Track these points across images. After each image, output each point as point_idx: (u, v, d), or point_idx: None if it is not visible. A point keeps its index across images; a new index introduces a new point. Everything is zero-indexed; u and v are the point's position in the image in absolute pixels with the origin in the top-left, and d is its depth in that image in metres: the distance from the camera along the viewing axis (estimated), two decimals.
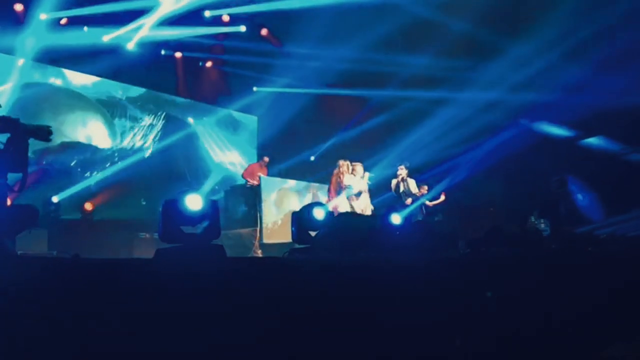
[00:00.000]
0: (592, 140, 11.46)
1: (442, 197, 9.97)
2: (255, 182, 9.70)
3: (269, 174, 9.63)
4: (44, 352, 1.71)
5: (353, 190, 8.74)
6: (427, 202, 9.80)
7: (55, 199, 8.93)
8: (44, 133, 3.44)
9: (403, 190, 9.41)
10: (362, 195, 8.76)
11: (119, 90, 11.34)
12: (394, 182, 9.49)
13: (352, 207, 8.63)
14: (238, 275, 2.63)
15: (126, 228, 9.28)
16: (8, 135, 3.30)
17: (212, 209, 2.88)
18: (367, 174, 8.96)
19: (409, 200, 9.30)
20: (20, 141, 3.29)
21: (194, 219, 2.83)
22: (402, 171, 9.40)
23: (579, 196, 10.79)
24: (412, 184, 9.51)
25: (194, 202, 2.80)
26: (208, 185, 10.65)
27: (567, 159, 11.10)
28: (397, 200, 9.41)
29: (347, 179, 8.59)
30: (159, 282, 2.41)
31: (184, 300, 2.41)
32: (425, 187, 9.89)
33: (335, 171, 8.89)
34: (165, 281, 2.43)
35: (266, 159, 10.45)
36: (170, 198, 2.75)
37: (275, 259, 3.27)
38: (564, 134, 11.50)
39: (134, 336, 2.12)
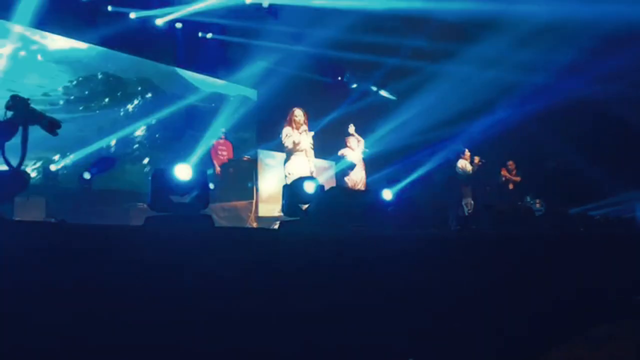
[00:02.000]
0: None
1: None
2: (222, 161, 10.02)
3: (266, 148, 9.66)
4: (27, 318, 1.76)
5: (348, 160, 8.79)
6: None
7: (53, 168, 8.99)
8: (51, 125, 3.46)
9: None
10: (356, 168, 8.79)
11: (118, 60, 11.30)
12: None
13: (345, 181, 8.69)
14: (225, 245, 2.68)
15: (124, 198, 9.36)
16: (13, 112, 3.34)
17: (201, 179, 2.92)
18: (361, 143, 8.98)
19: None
20: (26, 120, 3.33)
21: (183, 188, 2.87)
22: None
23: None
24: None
25: (183, 172, 2.83)
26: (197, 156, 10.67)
27: (565, 138, 11.12)
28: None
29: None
30: (147, 250, 2.46)
31: (171, 268, 2.46)
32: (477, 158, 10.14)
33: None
34: (153, 249, 2.48)
35: (223, 129, 10.95)
36: (159, 167, 2.78)
37: (264, 230, 3.32)
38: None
39: (120, 304, 2.17)
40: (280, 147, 8.32)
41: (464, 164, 9.96)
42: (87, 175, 9.42)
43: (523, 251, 4.96)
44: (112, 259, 2.18)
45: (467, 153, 10.05)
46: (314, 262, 2.97)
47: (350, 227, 3.94)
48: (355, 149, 8.87)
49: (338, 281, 3.08)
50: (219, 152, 10.43)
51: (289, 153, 7.22)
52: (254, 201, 7.50)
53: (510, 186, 10.44)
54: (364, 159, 8.97)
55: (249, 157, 10.05)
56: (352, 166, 8.82)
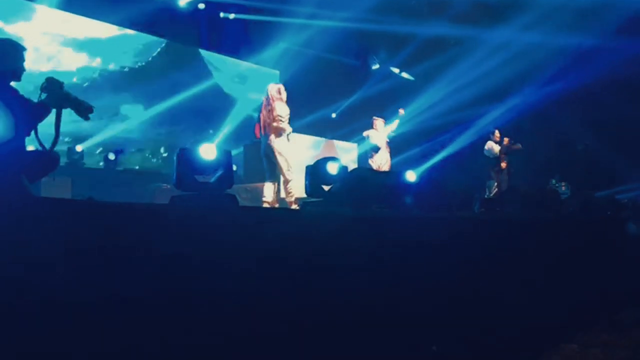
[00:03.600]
0: None
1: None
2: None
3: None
4: (52, 292, 1.80)
5: (371, 142, 8.73)
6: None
7: (79, 148, 9.11)
8: (85, 110, 3.51)
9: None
10: (381, 151, 8.74)
11: (142, 40, 11.35)
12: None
13: (369, 163, 8.65)
14: (249, 224, 2.69)
15: (149, 178, 9.46)
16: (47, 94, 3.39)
17: (226, 159, 2.93)
18: (388, 128, 8.90)
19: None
20: (60, 103, 3.38)
21: (207, 168, 2.89)
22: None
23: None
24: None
25: (207, 152, 2.84)
26: (223, 135, 10.67)
27: (592, 122, 10.90)
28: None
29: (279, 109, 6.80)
30: (172, 229, 2.48)
31: (196, 246, 2.48)
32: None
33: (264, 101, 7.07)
34: (178, 227, 2.50)
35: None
36: (185, 147, 2.80)
37: (287, 210, 3.33)
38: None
39: (143, 281, 2.20)
40: (303, 129, 8.15)
41: (491, 145, 9.80)
42: (112, 156, 9.55)
43: (547, 234, 4.90)
44: (138, 236, 2.20)
45: (497, 134, 9.86)
46: (336, 242, 2.97)
47: (373, 208, 3.93)
48: (380, 131, 8.81)
49: (360, 262, 3.08)
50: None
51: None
52: (276, 182, 7.49)
53: (503, 165, 10.09)
54: (388, 143, 8.90)
55: None
56: (376, 148, 8.76)
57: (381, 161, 8.73)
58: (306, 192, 3.86)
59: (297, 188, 6.65)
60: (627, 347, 4.31)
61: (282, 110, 6.68)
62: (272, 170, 6.86)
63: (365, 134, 8.91)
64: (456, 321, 3.44)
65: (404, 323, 3.07)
